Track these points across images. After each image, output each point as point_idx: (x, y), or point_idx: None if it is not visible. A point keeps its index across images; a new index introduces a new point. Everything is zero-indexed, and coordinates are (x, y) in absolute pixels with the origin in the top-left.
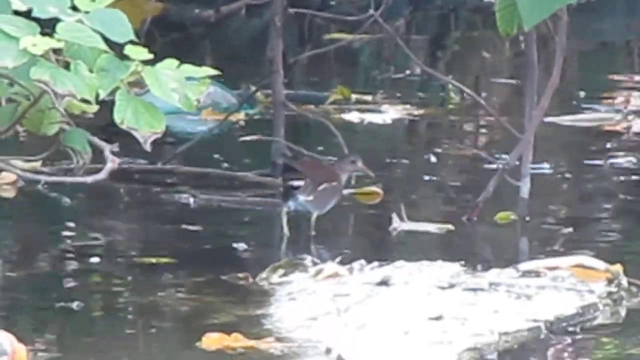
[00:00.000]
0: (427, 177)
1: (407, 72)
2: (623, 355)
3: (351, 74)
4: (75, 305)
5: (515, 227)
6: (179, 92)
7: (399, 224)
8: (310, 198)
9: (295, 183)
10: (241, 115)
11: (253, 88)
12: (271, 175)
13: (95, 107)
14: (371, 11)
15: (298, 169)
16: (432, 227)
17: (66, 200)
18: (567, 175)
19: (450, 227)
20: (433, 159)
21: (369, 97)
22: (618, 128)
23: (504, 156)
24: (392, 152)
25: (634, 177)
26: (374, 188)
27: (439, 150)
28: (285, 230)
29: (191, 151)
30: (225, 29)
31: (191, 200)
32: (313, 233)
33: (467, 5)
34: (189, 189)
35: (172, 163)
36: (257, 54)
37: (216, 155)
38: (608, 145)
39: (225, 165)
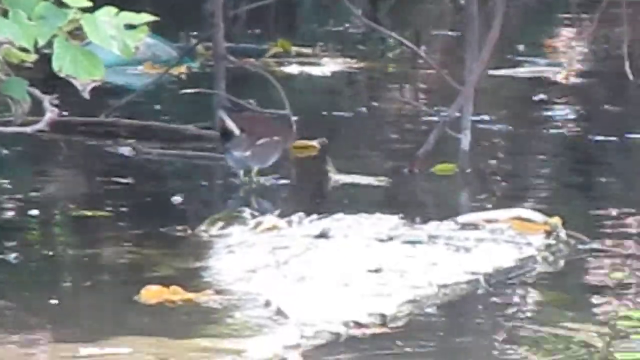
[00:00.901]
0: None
1: (347, 25)
2: (561, 307)
3: (291, 27)
4: (12, 257)
5: (455, 179)
6: (117, 40)
7: (338, 177)
8: (247, 153)
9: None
10: (183, 69)
11: (194, 41)
12: (212, 128)
13: (34, 56)
14: None
15: (235, 123)
16: (370, 180)
17: (4, 151)
18: (508, 127)
19: (388, 179)
20: (364, 110)
21: (309, 50)
22: (557, 79)
23: (444, 109)
24: (331, 105)
25: (572, 129)
26: (310, 142)
27: (376, 104)
28: (241, 177)
29: (133, 104)
30: None
31: (131, 152)
32: (254, 185)
33: None
34: (129, 142)
35: (113, 115)
36: (197, 6)
37: (157, 108)
38: (546, 97)
39: (167, 118)
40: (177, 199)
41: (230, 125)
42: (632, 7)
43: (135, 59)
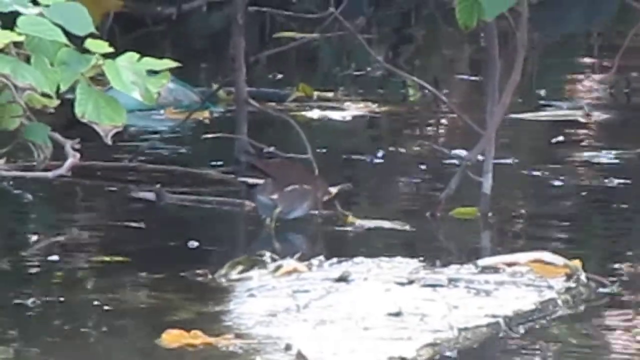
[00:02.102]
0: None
1: (368, 69)
2: (582, 351)
3: (312, 71)
4: (30, 302)
5: (476, 222)
6: (139, 85)
7: (359, 222)
8: (274, 197)
9: (252, 182)
10: (205, 113)
11: (215, 86)
12: (234, 173)
13: (56, 101)
14: (331, 9)
15: (261, 169)
16: (391, 224)
17: (28, 196)
18: (530, 170)
19: (408, 223)
20: (380, 154)
21: (330, 94)
22: (580, 121)
23: (465, 153)
24: (351, 148)
25: (594, 172)
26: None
27: (398, 147)
28: (268, 223)
29: (155, 149)
30: (186, 26)
31: (153, 197)
32: (273, 227)
33: (428, 3)
34: (151, 187)
35: (135, 160)
36: (219, 51)
37: (180, 152)
38: (565, 139)
39: (189, 162)
40: (193, 243)
41: (254, 175)
42: None
43: (157, 103)
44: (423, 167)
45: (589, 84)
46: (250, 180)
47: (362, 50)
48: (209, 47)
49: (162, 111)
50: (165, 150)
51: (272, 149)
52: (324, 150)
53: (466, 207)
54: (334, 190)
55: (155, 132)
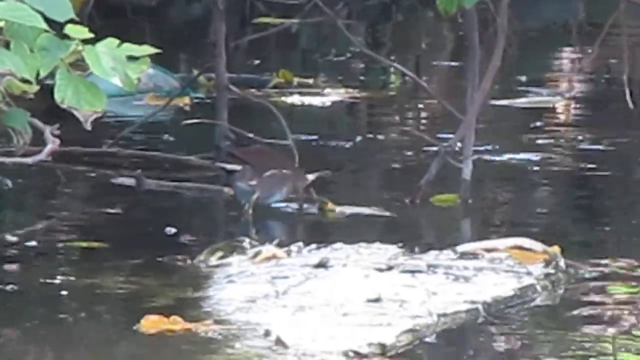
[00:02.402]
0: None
1: (348, 55)
2: (560, 337)
3: (292, 57)
4: (9, 288)
5: (456, 209)
6: (119, 71)
7: (339, 209)
8: (253, 183)
9: (230, 168)
10: (186, 100)
11: (195, 72)
12: (214, 159)
13: (35, 87)
14: None
15: (239, 157)
16: (370, 210)
17: (7, 182)
18: (509, 156)
19: (388, 210)
20: (359, 139)
21: (310, 81)
22: (558, 108)
23: (445, 138)
24: (331, 135)
25: (575, 158)
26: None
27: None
28: (246, 209)
29: (135, 135)
30: (165, 13)
31: (132, 183)
32: (250, 213)
33: None
34: (131, 173)
35: (115, 146)
36: (198, 38)
37: (160, 139)
38: (544, 125)
39: (169, 148)
40: (171, 229)
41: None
42: (633, 36)
43: (137, 89)
44: (403, 153)
45: (568, 71)
46: (229, 167)
47: (342, 37)
48: (189, 34)
49: (142, 97)
50: (145, 136)
51: (251, 135)
52: (303, 137)
53: (446, 194)
54: (311, 177)
55: (135, 119)
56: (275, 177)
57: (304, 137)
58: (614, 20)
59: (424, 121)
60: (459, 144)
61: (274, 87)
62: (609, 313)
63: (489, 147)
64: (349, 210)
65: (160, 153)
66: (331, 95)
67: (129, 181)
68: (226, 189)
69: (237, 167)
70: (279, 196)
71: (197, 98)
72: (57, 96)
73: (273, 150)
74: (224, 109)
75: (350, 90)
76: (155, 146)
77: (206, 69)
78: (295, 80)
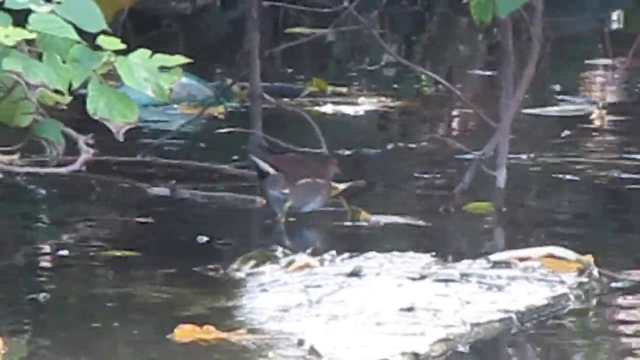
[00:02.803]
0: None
1: (382, 63)
2: (593, 347)
3: (326, 66)
4: (42, 296)
5: (490, 217)
6: (151, 82)
7: (373, 218)
8: (286, 191)
9: (263, 168)
10: (220, 109)
11: (229, 80)
12: (248, 168)
13: (68, 98)
14: (345, 3)
15: (272, 164)
16: (404, 220)
17: (41, 192)
18: (544, 166)
19: (421, 221)
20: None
21: (344, 89)
22: (593, 117)
23: (479, 147)
24: (363, 143)
25: (607, 168)
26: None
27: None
28: (279, 217)
29: (169, 144)
30: (200, 22)
31: (167, 192)
32: (283, 222)
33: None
34: (165, 182)
35: (149, 155)
36: (232, 46)
37: (194, 148)
38: (575, 134)
39: (204, 158)
40: (202, 238)
41: (264, 166)
42: None
43: (171, 99)
44: (436, 161)
45: (602, 80)
46: (262, 165)
47: (375, 45)
48: (223, 42)
49: (176, 106)
50: (179, 145)
51: (285, 144)
52: (337, 146)
53: (480, 202)
54: (341, 186)
55: (169, 128)
56: (309, 186)
57: (337, 146)
58: None
59: (457, 130)
60: (492, 153)
61: (308, 95)
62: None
63: (524, 156)
64: (382, 219)
65: (194, 162)
66: (364, 104)
67: (163, 191)
68: (259, 199)
69: (270, 170)
70: (313, 205)
71: (231, 107)
72: (90, 107)
73: (307, 158)
74: (258, 117)
75: (384, 99)
76: (189, 155)
77: (240, 78)
78: (329, 89)
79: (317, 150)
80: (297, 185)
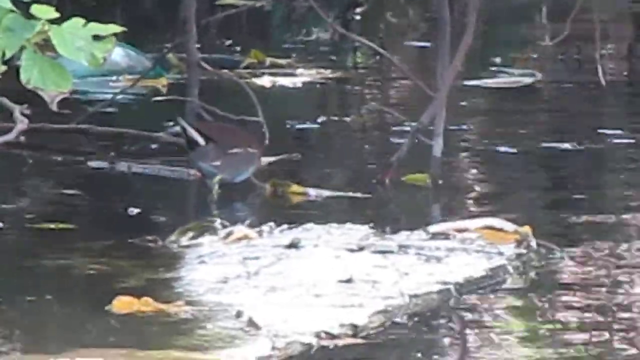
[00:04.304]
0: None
1: (319, 34)
2: (532, 317)
3: (262, 37)
4: None
5: (427, 189)
6: (85, 51)
7: (311, 191)
8: (216, 164)
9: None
10: (164, 81)
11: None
12: (179, 136)
13: (3, 68)
14: None
15: (201, 132)
16: (341, 192)
17: None
18: (481, 136)
19: (358, 193)
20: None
21: (283, 61)
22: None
23: (415, 120)
24: (300, 116)
25: (543, 137)
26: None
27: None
28: (214, 193)
29: (107, 114)
30: None
31: (103, 164)
32: (215, 196)
33: None
34: (101, 154)
35: (85, 123)
36: (170, 18)
37: (132, 118)
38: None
39: (140, 126)
40: (132, 210)
41: (193, 134)
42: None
43: (110, 70)
44: (373, 133)
45: (539, 51)
46: (193, 134)
47: (312, 16)
48: (161, 12)
49: (116, 78)
50: (115, 115)
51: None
52: (275, 118)
53: (418, 173)
54: (269, 159)
55: (106, 98)
56: (239, 156)
57: (275, 118)
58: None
59: (395, 101)
60: (429, 122)
61: (246, 67)
62: (579, 290)
63: (464, 127)
64: (317, 192)
65: (131, 130)
66: (303, 76)
67: (102, 164)
68: (192, 171)
69: (200, 139)
70: (246, 174)
71: (173, 79)
72: (23, 77)
73: (237, 127)
74: (195, 85)
75: (322, 70)
76: (125, 124)
77: (176, 46)
78: (268, 60)
79: (248, 118)
80: (227, 156)
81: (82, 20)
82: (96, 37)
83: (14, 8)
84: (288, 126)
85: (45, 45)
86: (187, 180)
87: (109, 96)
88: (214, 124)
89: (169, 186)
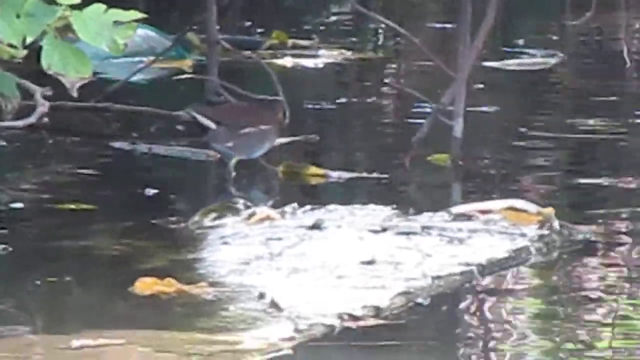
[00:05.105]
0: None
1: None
2: (554, 298)
3: (283, 18)
4: (1, 248)
5: (449, 169)
6: (105, 37)
7: (330, 173)
8: (229, 144)
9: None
10: (188, 62)
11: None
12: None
13: (23, 52)
14: None
15: (211, 118)
16: (363, 173)
17: (2, 143)
18: (504, 118)
19: (380, 174)
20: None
21: (305, 42)
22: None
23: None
24: (320, 96)
25: (568, 120)
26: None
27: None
28: (230, 171)
29: (126, 95)
30: None
31: (125, 145)
32: (232, 175)
33: None
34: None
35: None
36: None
37: (153, 97)
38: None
39: (161, 105)
40: (149, 191)
41: (204, 121)
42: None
43: (131, 51)
44: (395, 114)
45: (562, 33)
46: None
47: None
48: None
49: (138, 59)
50: (135, 93)
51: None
52: (296, 99)
53: (440, 153)
54: (282, 140)
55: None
56: (253, 134)
57: (296, 100)
58: None
59: (416, 82)
60: (450, 103)
61: (268, 48)
62: (602, 271)
63: (485, 109)
64: (339, 174)
65: (150, 108)
66: (324, 57)
67: (123, 145)
68: (212, 152)
69: (211, 124)
70: (262, 151)
71: (197, 60)
72: (44, 62)
73: (249, 105)
74: (214, 64)
75: (344, 51)
76: (151, 105)
77: (196, 24)
78: (290, 41)
79: (261, 97)
80: (240, 136)
81: (102, 6)
82: (117, 22)
83: None
84: (309, 106)
85: (64, 29)
86: (207, 161)
87: (127, 76)
88: (223, 105)
89: (189, 167)
